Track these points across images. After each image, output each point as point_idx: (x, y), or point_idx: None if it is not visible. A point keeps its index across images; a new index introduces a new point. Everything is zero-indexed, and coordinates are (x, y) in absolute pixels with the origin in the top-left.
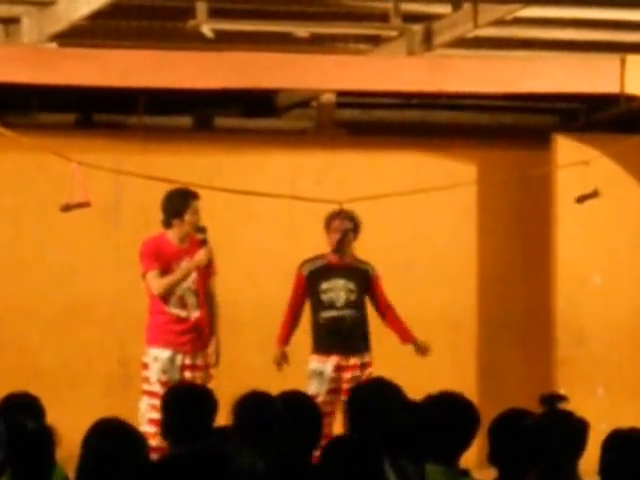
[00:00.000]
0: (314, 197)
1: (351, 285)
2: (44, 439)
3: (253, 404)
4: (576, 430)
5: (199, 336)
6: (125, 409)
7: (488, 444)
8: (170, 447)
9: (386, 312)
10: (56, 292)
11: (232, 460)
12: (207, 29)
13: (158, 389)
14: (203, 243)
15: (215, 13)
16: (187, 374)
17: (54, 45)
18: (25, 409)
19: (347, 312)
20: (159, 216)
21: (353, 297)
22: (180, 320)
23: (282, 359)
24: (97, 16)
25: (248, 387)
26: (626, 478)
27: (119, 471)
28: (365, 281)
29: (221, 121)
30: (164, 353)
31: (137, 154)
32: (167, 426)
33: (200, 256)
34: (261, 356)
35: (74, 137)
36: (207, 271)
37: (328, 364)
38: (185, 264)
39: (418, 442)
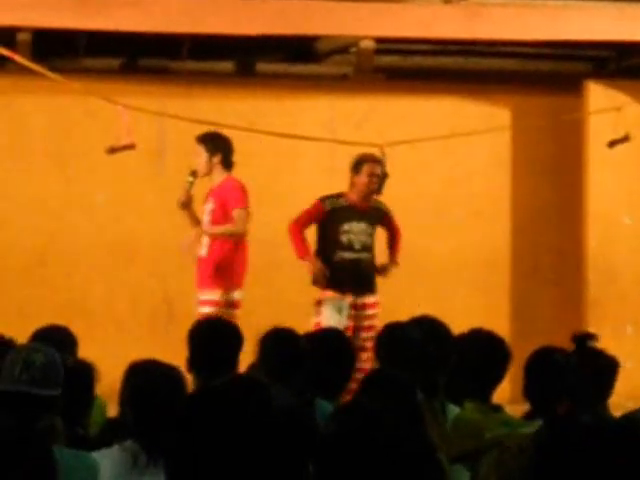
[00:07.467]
0: (354, 140)
1: (370, 229)
2: (82, 373)
3: (278, 341)
4: (606, 368)
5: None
6: (169, 347)
7: (523, 380)
8: (195, 379)
9: (395, 237)
10: (101, 233)
11: (271, 391)
12: None
13: None
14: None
15: None
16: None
17: None
18: (59, 343)
19: (363, 255)
20: None
21: (370, 241)
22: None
23: (320, 271)
24: None
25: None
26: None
27: (157, 405)
28: (381, 220)
29: (263, 67)
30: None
31: (181, 98)
32: (192, 358)
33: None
34: (301, 295)
35: (119, 81)
36: (221, 212)
37: (345, 301)
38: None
39: (455, 379)
